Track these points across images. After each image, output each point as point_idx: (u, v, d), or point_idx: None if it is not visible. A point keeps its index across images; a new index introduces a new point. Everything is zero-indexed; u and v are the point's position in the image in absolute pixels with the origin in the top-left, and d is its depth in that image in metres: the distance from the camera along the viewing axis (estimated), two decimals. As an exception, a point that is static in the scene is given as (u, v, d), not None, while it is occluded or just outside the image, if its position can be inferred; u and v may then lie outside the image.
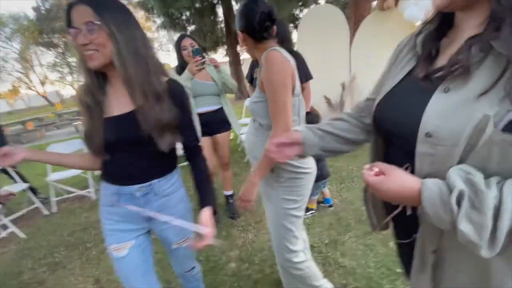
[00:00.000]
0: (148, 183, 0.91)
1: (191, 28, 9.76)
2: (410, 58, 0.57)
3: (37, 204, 3.03)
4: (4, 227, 2.63)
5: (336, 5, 4.96)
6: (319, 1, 9.21)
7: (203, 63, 1.72)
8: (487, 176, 0.41)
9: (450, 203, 0.41)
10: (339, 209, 2.25)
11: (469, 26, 0.47)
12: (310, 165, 1.13)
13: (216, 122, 2.15)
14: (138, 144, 0.85)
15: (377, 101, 0.61)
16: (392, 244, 1.77)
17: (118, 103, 0.85)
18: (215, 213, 0.90)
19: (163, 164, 0.95)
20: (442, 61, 0.50)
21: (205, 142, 2.14)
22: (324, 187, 2.21)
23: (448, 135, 0.43)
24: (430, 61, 0.52)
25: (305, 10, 8.61)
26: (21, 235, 2.58)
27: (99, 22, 0.73)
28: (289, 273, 1.23)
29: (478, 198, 0.39)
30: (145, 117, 0.80)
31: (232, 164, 3.63)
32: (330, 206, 2.29)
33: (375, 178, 0.50)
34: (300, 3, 8.83)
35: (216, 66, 2.07)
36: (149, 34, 26.19)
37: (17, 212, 2.95)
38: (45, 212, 3.02)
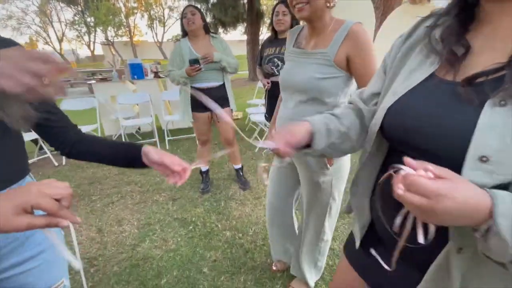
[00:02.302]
0: None
1: (212, 0, 9.52)
2: (429, 56, 0.48)
3: (48, 154, 3.16)
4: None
5: (365, -8, 4.73)
6: (348, -13, 8.78)
7: (200, 69, 1.96)
8: None
9: None
10: (337, 197, 2.29)
11: (510, 21, 0.39)
12: None
13: (216, 99, 2.11)
14: None
15: (387, 103, 0.50)
16: (383, 235, 1.82)
17: None
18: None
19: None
20: (478, 62, 0.41)
21: (203, 117, 2.17)
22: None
23: (506, 162, 0.34)
24: (458, 62, 0.43)
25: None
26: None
27: None
28: (317, 244, 1.28)
29: None
30: None
31: (238, 142, 3.68)
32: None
33: (440, 183, 0.34)
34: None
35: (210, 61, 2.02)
36: (169, 3, 25.70)
37: (28, 160, 3.08)
38: (55, 163, 3.15)
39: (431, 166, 0.36)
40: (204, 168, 2.49)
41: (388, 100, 0.51)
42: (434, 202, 0.33)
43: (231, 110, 2.25)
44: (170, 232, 1.89)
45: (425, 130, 0.43)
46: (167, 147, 3.57)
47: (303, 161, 1.12)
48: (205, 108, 2.13)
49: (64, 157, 3.20)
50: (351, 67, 0.94)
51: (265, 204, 2.21)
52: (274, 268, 1.57)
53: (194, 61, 1.92)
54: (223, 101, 2.17)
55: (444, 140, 0.40)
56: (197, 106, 2.12)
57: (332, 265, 1.58)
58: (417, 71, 0.48)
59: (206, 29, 2.09)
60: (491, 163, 0.35)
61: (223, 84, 2.16)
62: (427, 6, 3.47)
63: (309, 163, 1.10)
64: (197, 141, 2.38)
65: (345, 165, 1.14)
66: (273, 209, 1.40)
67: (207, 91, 2.08)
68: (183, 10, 2.01)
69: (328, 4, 0.93)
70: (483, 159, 0.35)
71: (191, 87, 2.08)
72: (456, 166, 0.37)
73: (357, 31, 0.91)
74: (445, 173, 0.35)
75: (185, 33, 2.08)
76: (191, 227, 1.93)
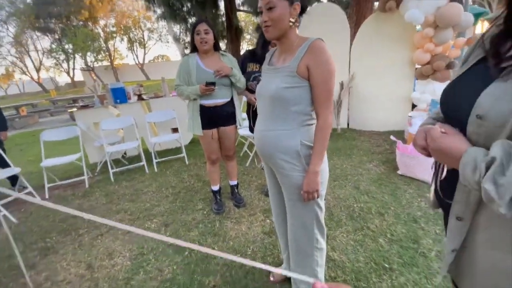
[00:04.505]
0: None
1: (191, 20, 9.65)
2: (478, 54, 0.60)
3: (30, 189, 3.01)
4: (-5, 210, 2.61)
5: (338, 4, 4.96)
6: (321, 0, 9.17)
7: (213, 90, 2.00)
8: None
9: (479, 166, 0.47)
10: (332, 206, 2.28)
11: None
12: None
13: (223, 116, 2.12)
14: None
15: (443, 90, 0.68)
16: (381, 240, 1.81)
17: None
18: None
19: None
20: None
21: (211, 135, 2.14)
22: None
23: (495, 118, 0.48)
24: (500, 55, 0.54)
25: (307, 8, 8.56)
26: (13, 219, 2.56)
27: None
28: (311, 254, 1.25)
29: (507, 165, 0.44)
30: None
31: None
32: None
33: (439, 132, 0.57)
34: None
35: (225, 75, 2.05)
36: (148, 25, 25.88)
37: (9, 197, 2.92)
38: (38, 198, 2.99)
39: (446, 128, 0.56)
40: (215, 187, 2.42)
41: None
42: (430, 141, 0.58)
43: (236, 126, 2.24)
44: (165, 261, 1.81)
45: (453, 101, 0.61)
46: (156, 170, 3.48)
47: (279, 165, 1.14)
48: (212, 125, 2.12)
49: (47, 191, 3.05)
50: (309, 76, 1.04)
51: (261, 220, 2.17)
52: (271, 279, 1.55)
53: (211, 83, 1.96)
54: (230, 118, 2.16)
55: (460, 106, 0.57)
56: (205, 123, 2.09)
57: (335, 277, 1.55)
58: (467, 65, 0.62)
59: (216, 46, 2.08)
60: (483, 120, 0.50)
61: (231, 101, 2.15)
62: (397, 14, 3.65)
63: (283, 166, 1.13)
64: (207, 161, 2.32)
65: (324, 169, 1.15)
66: (276, 221, 1.43)
67: (214, 108, 2.07)
68: (196, 26, 1.97)
69: (291, 24, 1.04)
70: (478, 116, 0.51)
71: (200, 104, 2.06)
72: (465, 122, 0.54)
73: (317, 45, 1.02)
74: (451, 131, 0.56)
75: (193, 48, 2.05)
76: (186, 253, 1.86)
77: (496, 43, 0.54)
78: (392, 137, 2.84)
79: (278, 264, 1.65)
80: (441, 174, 0.64)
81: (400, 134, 3.83)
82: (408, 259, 1.62)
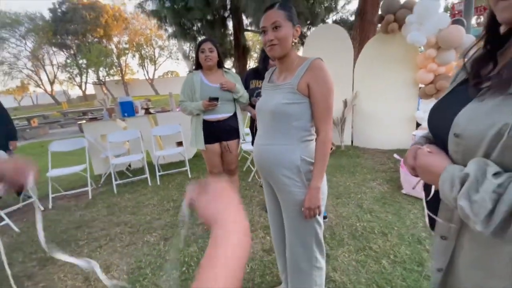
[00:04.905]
0: None
1: (201, 38, 10.03)
2: (463, 75, 0.62)
3: (34, 198, 3.03)
4: (-1, 219, 2.64)
5: (342, 25, 5.11)
6: (326, 21, 9.47)
7: (216, 105, 2.03)
8: (508, 171, 0.46)
9: (455, 183, 0.48)
10: (334, 224, 2.24)
11: None
12: None
13: (226, 131, 2.15)
14: None
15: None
16: (384, 261, 1.76)
17: None
18: None
19: None
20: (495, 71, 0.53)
21: (214, 149, 2.17)
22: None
23: (471, 137, 0.50)
24: (480, 76, 0.56)
25: (313, 29, 8.84)
26: (15, 228, 2.57)
27: None
28: (310, 274, 1.22)
29: (481, 182, 0.45)
30: None
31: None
32: (325, 217, 2.29)
33: (425, 151, 0.59)
34: (308, 22, 9.09)
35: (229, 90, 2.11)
36: (160, 42, 26.92)
37: (13, 206, 2.96)
38: (41, 207, 3.02)
39: (431, 148, 0.58)
40: None
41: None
42: (417, 159, 0.60)
43: (239, 141, 2.27)
44: (162, 276, 1.78)
45: (435, 121, 0.63)
46: (158, 183, 3.50)
47: (280, 180, 1.14)
48: (215, 140, 2.15)
49: (50, 201, 3.08)
50: (310, 93, 1.07)
51: (261, 237, 2.14)
52: None
53: (214, 99, 1.99)
54: (233, 132, 2.19)
55: (440, 125, 0.58)
56: (208, 137, 2.12)
57: (335, 299, 1.50)
58: (452, 86, 0.64)
59: (220, 63, 2.14)
60: (459, 138, 0.51)
61: (234, 115, 2.19)
62: (399, 35, 3.74)
63: (283, 181, 1.13)
64: (209, 175, 2.33)
65: (323, 185, 1.15)
66: (274, 239, 1.41)
67: (217, 123, 2.11)
68: (201, 44, 2.04)
69: (293, 45, 1.11)
70: (456, 135, 0.52)
71: (203, 119, 2.10)
72: (446, 140, 0.55)
73: (317, 64, 1.07)
74: (436, 150, 0.58)
75: (198, 65, 2.11)
76: (184, 268, 1.83)
77: (477, 65, 0.56)
78: (396, 156, 2.82)
79: (277, 284, 1.61)
80: (429, 194, 0.64)
81: (404, 153, 3.75)
82: (412, 283, 1.56)
